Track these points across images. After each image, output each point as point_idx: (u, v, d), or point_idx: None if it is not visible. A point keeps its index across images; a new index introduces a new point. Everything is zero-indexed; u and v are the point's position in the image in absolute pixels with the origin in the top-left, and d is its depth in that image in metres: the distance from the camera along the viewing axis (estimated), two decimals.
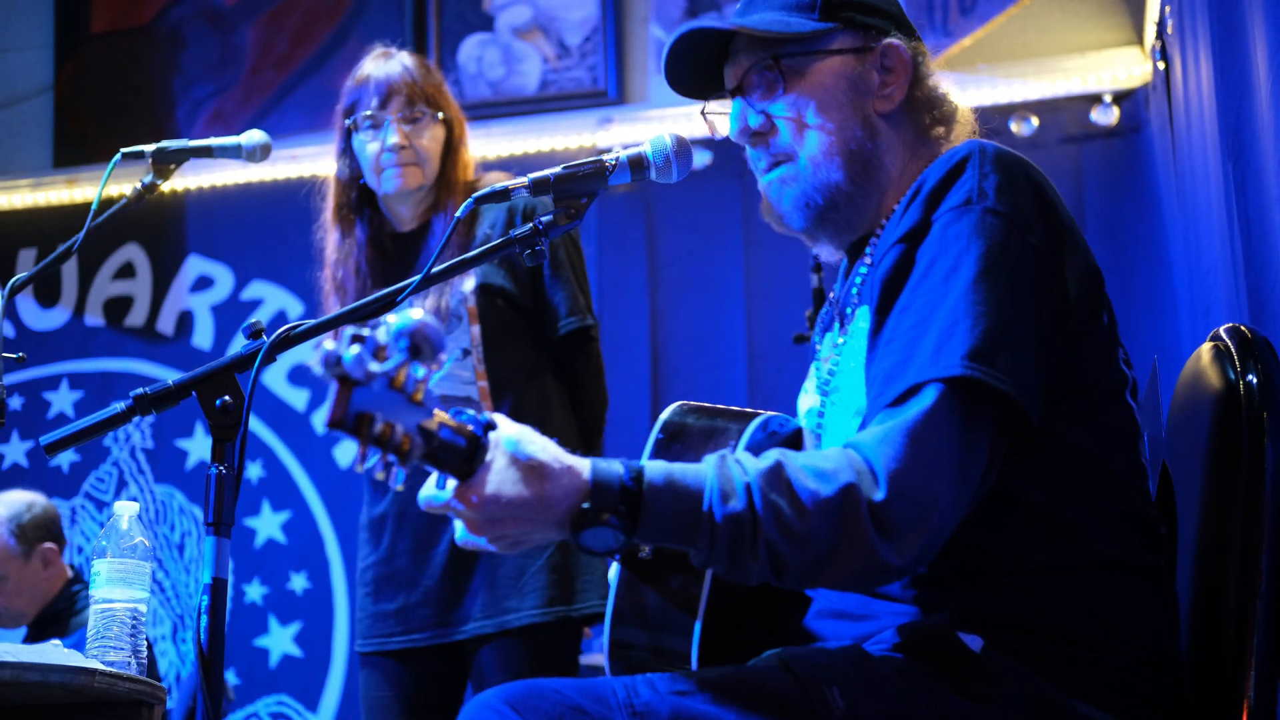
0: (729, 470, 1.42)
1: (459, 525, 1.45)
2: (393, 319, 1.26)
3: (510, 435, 1.41)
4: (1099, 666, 1.52)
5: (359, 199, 3.02)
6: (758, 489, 1.40)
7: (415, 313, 1.26)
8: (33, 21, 5.33)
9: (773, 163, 1.73)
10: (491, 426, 1.40)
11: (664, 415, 1.74)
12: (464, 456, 1.37)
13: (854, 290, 1.70)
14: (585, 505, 1.40)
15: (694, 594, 1.60)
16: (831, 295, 1.84)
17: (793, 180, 1.71)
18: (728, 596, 1.62)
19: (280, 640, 4.66)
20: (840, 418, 1.67)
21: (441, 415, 1.34)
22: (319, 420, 4.80)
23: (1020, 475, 1.53)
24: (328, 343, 1.23)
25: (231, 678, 4.60)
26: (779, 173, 1.72)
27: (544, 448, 1.41)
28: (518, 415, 2.91)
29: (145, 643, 2.14)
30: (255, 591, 4.70)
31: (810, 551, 1.40)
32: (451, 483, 1.39)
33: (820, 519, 1.40)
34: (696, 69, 1.79)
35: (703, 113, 1.82)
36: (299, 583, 4.69)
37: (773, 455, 1.44)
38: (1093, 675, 1.51)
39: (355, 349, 1.23)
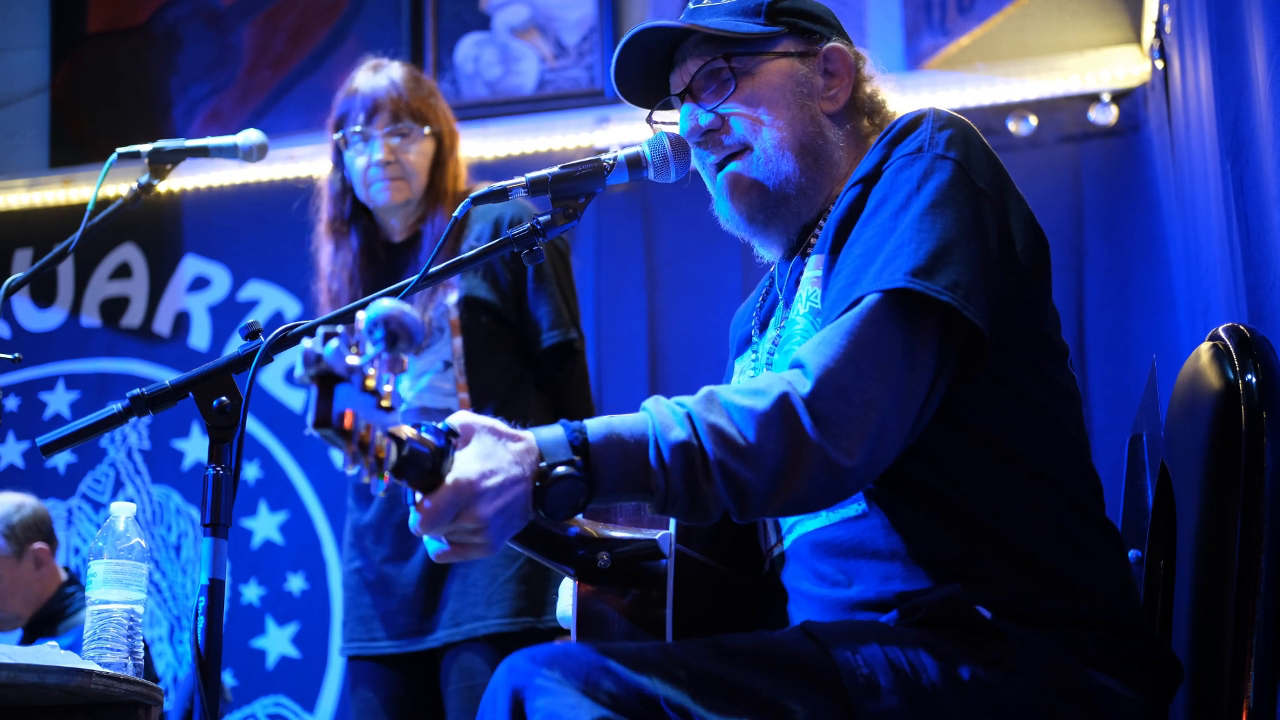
0: (664, 407, 1.46)
1: (430, 541, 1.42)
2: (361, 313, 1.23)
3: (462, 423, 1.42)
4: (1102, 626, 1.54)
5: (352, 210, 3.04)
6: (697, 415, 1.44)
7: (385, 302, 1.24)
8: (29, 21, 5.31)
9: (726, 156, 1.78)
10: (454, 434, 1.38)
11: None
12: (430, 468, 1.33)
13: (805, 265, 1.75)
14: (543, 464, 1.40)
15: (658, 604, 1.58)
16: (766, 293, 1.89)
17: (747, 171, 1.77)
18: (693, 602, 1.61)
19: (277, 641, 4.65)
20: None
21: (407, 428, 1.31)
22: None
23: (987, 418, 1.59)
24: (305, 342, 1.19)
25: (229, 679, 4.59)
26: (733, 166, 1.77)
27: (492, 422, 1.42)
28: None
29: (142, 644, 2.13)
30: (252, 592, 4.70)
31: (763, 464, 1.44)
32: (419, 497, 1.36)
33: (764, 431, 1.44)
34: (642, 77, 1.84)
35: (649, 120, 1.87)
36: (296, 584, 4.69)
37: (704, 390, 1.48)
38: (1098, 639, 1.53)
39: (333, 343, 1.19)
